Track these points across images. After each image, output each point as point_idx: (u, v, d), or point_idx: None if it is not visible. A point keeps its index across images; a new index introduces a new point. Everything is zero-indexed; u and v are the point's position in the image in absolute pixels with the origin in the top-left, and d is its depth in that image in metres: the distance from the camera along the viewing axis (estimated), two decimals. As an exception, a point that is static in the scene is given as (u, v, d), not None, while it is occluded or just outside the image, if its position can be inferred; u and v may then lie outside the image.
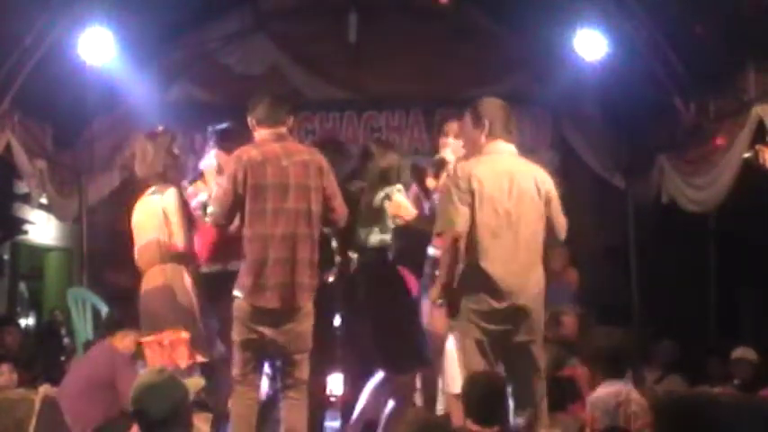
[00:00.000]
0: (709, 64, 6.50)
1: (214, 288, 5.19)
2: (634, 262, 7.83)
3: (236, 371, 4.74)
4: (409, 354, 5.13)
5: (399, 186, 5.21)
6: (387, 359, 5.09)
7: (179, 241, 4.98)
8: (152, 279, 4.95)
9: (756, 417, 5.00)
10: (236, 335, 4.72)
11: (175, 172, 5.09)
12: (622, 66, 7.19)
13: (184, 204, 5.03)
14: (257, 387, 4.82)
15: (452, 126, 5.43)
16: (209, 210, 4.80)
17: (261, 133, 4.78)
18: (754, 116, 5.88)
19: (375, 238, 5.16)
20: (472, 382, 4.22)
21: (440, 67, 8.05)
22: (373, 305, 5.10)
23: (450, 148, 5.28)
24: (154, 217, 4.97)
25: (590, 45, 7.03)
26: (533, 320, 4.58)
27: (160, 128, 5.22)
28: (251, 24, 8.30)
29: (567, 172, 8.18)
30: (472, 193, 4.48)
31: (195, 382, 3.97)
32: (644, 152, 7.68)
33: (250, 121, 4.81)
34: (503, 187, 4.52)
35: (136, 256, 5.05)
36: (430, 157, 5.72)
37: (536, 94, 8.00)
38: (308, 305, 4.73)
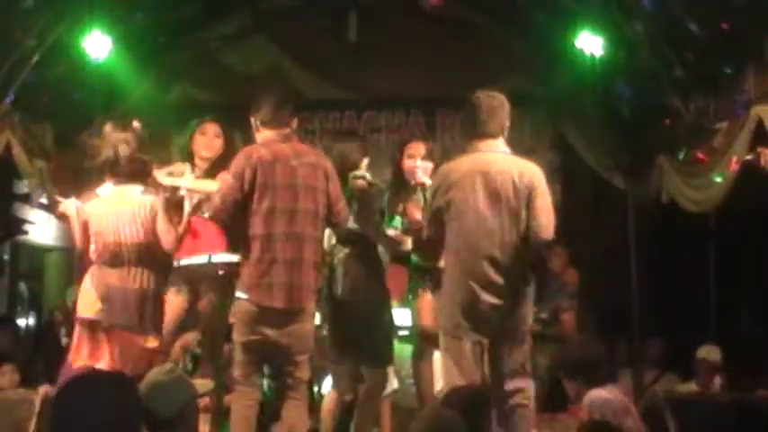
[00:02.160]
0: (709, 64, 6.50)
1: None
2: (634, 262, 7.83)
3: (237, 371, 4.75)
4: (383, 347, 5.15)
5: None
6: (362, 350, 5.10)
7: (169, 245, 4.99)
8: (135, 278, 4.94)
9: (756, 417, 5.01)
10: (239, 336, 4.72)
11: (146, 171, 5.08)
12: (622, 66, 7.19)
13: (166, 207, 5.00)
14: (258, 387, 4.84)
15: (419, 148, 5.42)
16: (207, 207, 4.82)
17: (266, 134, 4.81)
18: (754, 116, 5.87)
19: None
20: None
21: (440, 68, 8.03)
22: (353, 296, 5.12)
23: (421, 171, 5.20)
24: (132, 215, 4.95)
25: (590, 45, 7.03)
26: (513, 320, 4.55)
27: (135, 123, 5.20)
28: (251, 24, 8.29)
29: (567, 172, 8.18)
30: (446, 199, 4.52)
31: (204, 384, 3.94)
32: (644, 152, 7.68)
33: (254, 122, 4.84)
34: (475, 188, 4.51)
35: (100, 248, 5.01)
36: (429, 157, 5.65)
37: (536, 94, 7.99)
38: (310, 306, 4.75)
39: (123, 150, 4.92)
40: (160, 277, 4.99)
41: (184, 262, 5.06)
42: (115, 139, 4.95)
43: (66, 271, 9.72)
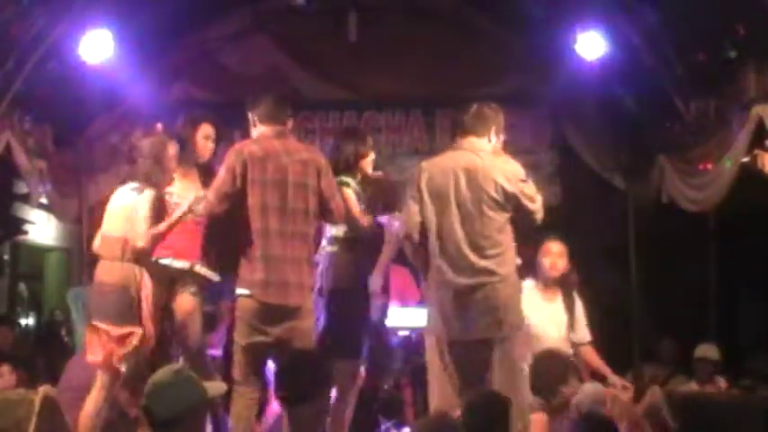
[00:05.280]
0: (710, 64, 6.50)
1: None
2: (634, 262, 7.82)
3: (237, 371, 4.74)
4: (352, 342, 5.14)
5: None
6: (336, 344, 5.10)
7: (140, 241, 4.80)
8: (112, 273, 4.86)
9: (756, 417, 5.01)
10: (240, 337, 4.71)
11: (161, 177, 4.97)
12: (622, 66, 7.19)
13: (157, 208, 4.87)
14: (258, 387, 4.82)
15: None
16: (201, 204, 4.80)
17: (261, 129, 4.81)
18: (754, 116, 5.88)
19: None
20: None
21: (440, 68, 8.03)
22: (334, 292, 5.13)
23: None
24: (126, 212, 4.88)
25: (590, 45, 7.02)
26: (495, 316, 4.53)
27: (159, 126, 5.19)
28: (251, 24, 8.29)
29: (567, 172, 8.17)
30: (420, 191, 4.59)
31: (217, 387, 3.88)
32: (644, 152, 7.68)
33: (251, 117, 4.84)
34: (448, 182, 4.55)
35: (98, 242, 5.00)
36: (429, 157, 5.65)
37: (536, 94, 7.99)
38: (308, 303, 4.75)
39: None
40: None
41: (164, 261, 5.02)
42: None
43: (66, 271, 9.73)
